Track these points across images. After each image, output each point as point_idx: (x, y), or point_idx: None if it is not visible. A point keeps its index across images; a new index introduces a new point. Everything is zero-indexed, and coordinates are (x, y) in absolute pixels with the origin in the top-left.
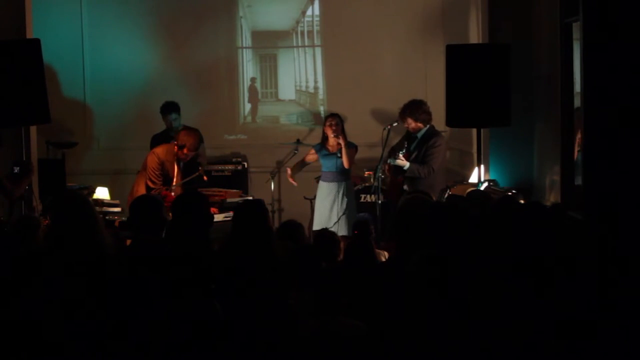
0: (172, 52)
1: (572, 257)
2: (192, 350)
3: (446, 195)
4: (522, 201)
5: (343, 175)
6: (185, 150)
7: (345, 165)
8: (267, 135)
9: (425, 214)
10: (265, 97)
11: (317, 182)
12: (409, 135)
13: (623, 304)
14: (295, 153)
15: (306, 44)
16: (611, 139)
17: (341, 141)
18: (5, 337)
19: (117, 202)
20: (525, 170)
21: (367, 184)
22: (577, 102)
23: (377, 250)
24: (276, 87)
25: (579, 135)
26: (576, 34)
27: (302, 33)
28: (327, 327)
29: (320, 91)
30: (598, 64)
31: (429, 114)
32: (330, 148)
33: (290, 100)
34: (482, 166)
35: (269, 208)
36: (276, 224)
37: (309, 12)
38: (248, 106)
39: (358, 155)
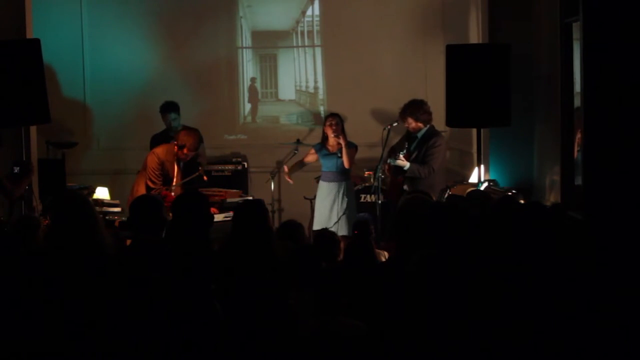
0: (172, 52)
1: (572, 257)
2: (192, 350)
3: (446, 195)
4: (522, 201)
5: (343, 175)
6: (185, 150)
7: (346, 165)
8: (267, 135)
9: (425, 214)
10: (265, 97)
11: (317, 182)
12: (409, 135)
13: (623, 304)
14: (295, 153)
15: (306, 44)
16: (611, 139)
17: (341, 141)
18: (5, 337)
19: (117, 202)
20: (525, 170)
21: (367, 184)
22: (577, 102)
23: (377, 250)
24: (276, 87)
25: (579, 135)
26: (576, 34)
27: (302, 33)
28: (327, 327)
29: (320, 91)
30: (598, 64)
31: (430, 114)
32: (330, 148)
33: (290, 100)
34: (482, 166)
35: (269, 208)
36: (276, 224)
37: (309, 12)
38: (248, 106)
39: (358, 155)
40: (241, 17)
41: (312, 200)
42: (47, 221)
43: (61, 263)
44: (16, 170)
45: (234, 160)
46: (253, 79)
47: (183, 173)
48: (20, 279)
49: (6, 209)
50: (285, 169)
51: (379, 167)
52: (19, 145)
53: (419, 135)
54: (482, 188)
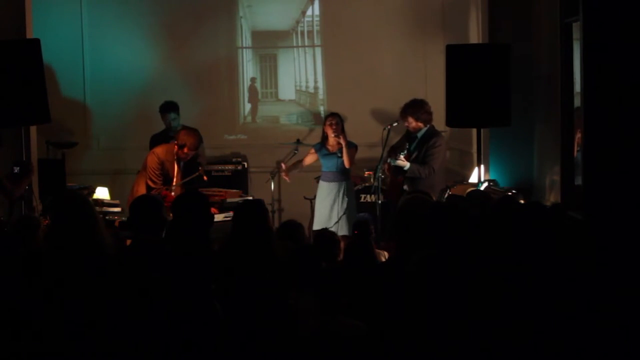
0: (172, 52)
1: (572, 257)
2: (192, 350)
3: (446, 195)
4: (522, 201)
5: (343, 175)
6: (185, 150)
7: (346, 164)
8: (267, 135)
9: (425, 214)
10: (265, 97)
11: (317, 182)
12: (409, 135)
13: (623, 304)
14: (295, 153)
15: (306, 44)
16: (611, 139)
17: (342, 141)
18: (6, 337)
19: (117, 202)
20: (525, 170)
21: (367, 184)
22: (577, 102)
23: (377, 250)
24: (276, 87)
25: (579, 135)
26: (576, 34)
27: (302, 33)
28: (327, 327)
29: (320, 91)
30: (598, 64)
31: (430, 114)
32: (330, 148)
33: (290, 100)
34: (482, 166)
35: (269, 208)
36: (276, 224)
37: (309, 12)
38: (248, 106)
39: (358, 155)
40: (241, 17)
41: (312, 200)
42: (47, 221)
43: (61, 263)
44: (16, 170)
45: (234, 160)
46: (253, 79)
47: (183, 173)
48: (20, 279)
49: (6, 209)
50: (283, 166)
51: (379, 167)
52: (19, 145)
53: (419, 135)
54: (482, 188)
